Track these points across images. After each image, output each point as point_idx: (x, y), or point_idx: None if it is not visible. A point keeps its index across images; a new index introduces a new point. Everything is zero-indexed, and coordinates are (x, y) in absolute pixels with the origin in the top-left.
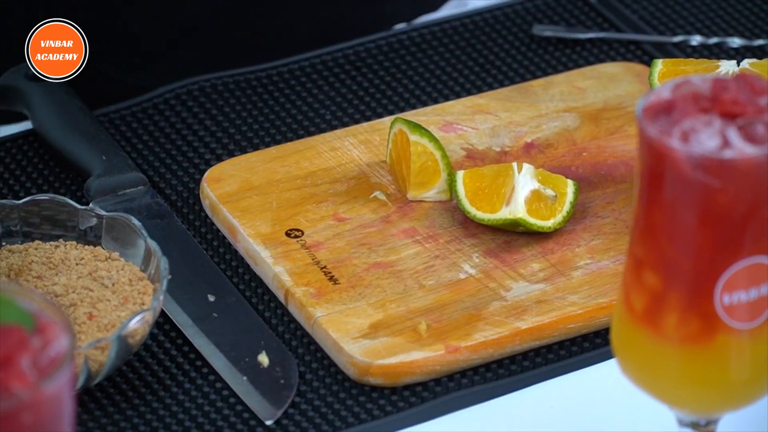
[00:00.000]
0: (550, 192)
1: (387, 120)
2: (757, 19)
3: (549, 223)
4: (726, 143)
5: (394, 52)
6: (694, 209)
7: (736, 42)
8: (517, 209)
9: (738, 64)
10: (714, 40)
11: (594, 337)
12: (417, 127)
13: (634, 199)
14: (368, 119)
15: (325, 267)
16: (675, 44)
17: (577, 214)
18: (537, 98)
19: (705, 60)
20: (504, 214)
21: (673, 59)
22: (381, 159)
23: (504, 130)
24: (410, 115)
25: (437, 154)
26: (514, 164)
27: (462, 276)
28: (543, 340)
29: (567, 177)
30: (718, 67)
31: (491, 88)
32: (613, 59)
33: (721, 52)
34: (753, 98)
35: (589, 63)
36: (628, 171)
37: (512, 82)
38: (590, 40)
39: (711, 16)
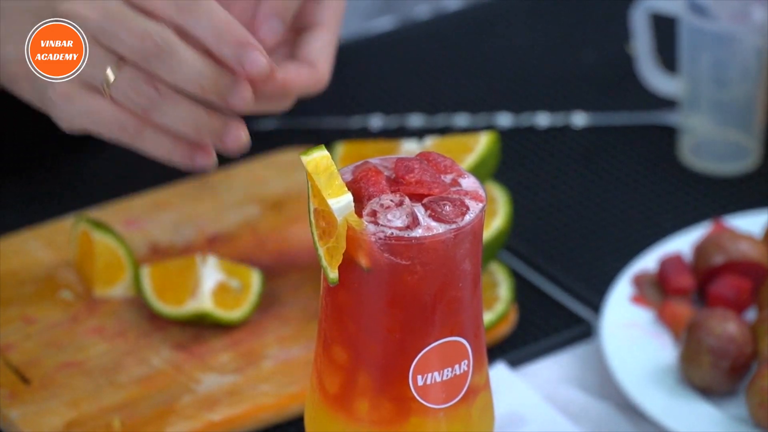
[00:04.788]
0: (235, 283)
1: (70, 219)
2: (441, 95)
3: (236, 315)
4: (414, 222)
5: None
6: (383, 291)
7: (417, 121)
8: (203, 302)
9: (420, 143)
10: (395, 120)
11: (287, 426)
12: (99, 226)
13: (322, 284)
14: (51, 217)
15: (17, 368)
16: (355, 130)
17: (264, 304)
18: (218, 190)
19: (387, 141)
20: (190, 307)
21: (355, 142)
22: (66, 258)
23: (187, 224)
24: (92, 213)
25: (121, 252)
26: (198, 257)
27: (152, 371)
28: (237, 431)
29: (252, 266)
30: (400, 147)
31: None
32: (293, 146)
33: (403, 133)
34: (437, 177)
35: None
36: (312, 257)
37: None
38: (269, 129)
39: (393, 95)
